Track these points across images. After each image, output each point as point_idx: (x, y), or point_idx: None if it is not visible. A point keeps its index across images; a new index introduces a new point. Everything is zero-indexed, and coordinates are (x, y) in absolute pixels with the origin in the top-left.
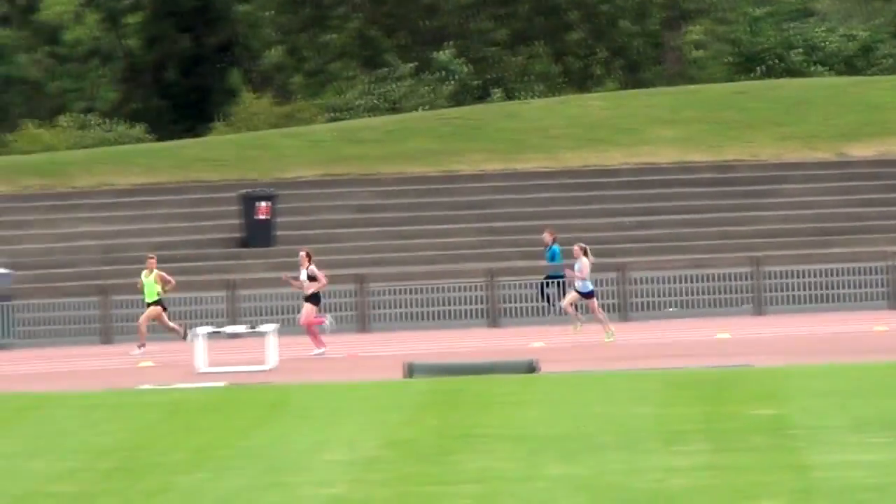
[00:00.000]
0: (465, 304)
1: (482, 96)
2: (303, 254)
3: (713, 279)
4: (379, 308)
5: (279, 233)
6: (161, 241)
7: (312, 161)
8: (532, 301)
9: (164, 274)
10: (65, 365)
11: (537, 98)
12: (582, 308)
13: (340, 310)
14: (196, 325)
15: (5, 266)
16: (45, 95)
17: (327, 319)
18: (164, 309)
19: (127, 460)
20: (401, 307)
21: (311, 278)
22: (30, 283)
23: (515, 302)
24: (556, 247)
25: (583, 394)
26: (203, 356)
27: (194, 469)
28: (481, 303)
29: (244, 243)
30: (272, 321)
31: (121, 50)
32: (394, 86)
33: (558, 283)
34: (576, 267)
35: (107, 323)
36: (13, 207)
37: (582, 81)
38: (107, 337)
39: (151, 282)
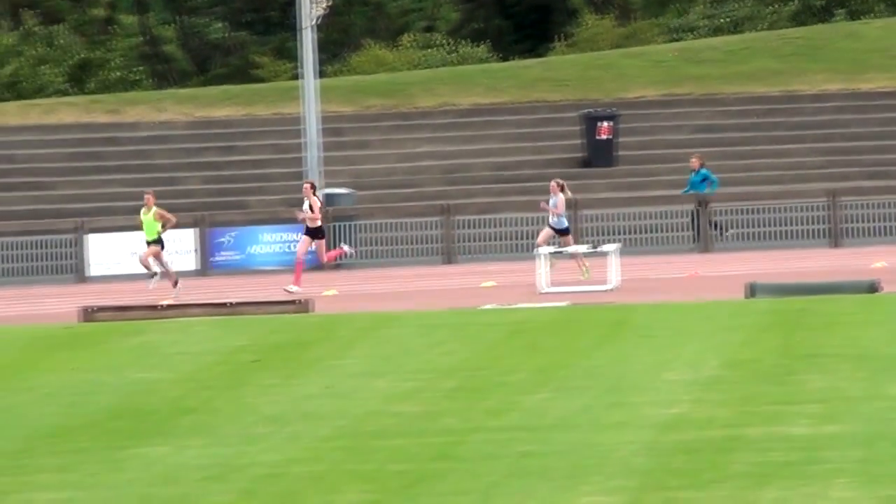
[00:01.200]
0: (807, 223)
1: (824, 17)
2: (307, 185)
3: None
4: None
5: (621, 153)
6: (502, 160)
7: (654, 81)
8: (874, 221)
9: (163, 211)
10: (407, 285)
11: (879, 18)
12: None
13: (680, 230)
14: (535, 246)
15: (348, 186)
16: (387, 16)
17: (346, 248)
18: (163, 248)
19: (469, 380)
20: (742, 227)
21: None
22: (372, 202)
23: (857, 222)
24: (704, 171)
25: None
26: (545, 276)
27: (537, 389)
28: (823, 223)
29: (586, 163)
30: (614, 241)
31: None
32: (735, 5)
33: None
34: (551, 202)
35: (449, 243)
36: (356, 128)
37: None
38: (449, 257)
39: (151, 219)
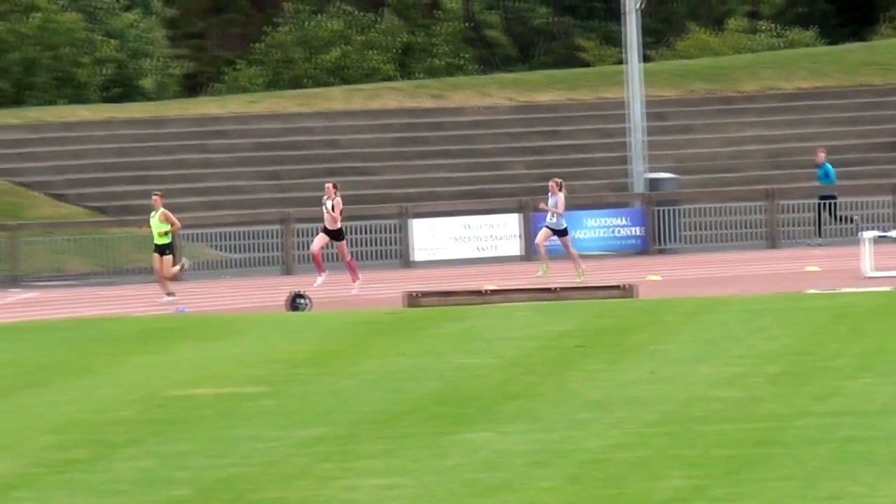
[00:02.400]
0: None
1: None
2: (329, 185)
3: None
4: None
5: None
6: (825, 145)
7: None
8: None
9: (169, 214)
10: (731, 269)
11: None
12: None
13: None
14: (862, 229)
15: (672, 171)
16: (709, 2)
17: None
18: (173, 253)
19: (793, 365)
20: None
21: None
22: (695, 187)
23: None
24: (828, 165)
25: None
26: (869, 260)
27: (861, 373)
28: None
29: None
30: None
31: None
32: None
33: (830, 203)
34: (550, 202)
35: (773, 227)
36: (679, 112)
37: None
38: (773, 241)
39: (158, 221)
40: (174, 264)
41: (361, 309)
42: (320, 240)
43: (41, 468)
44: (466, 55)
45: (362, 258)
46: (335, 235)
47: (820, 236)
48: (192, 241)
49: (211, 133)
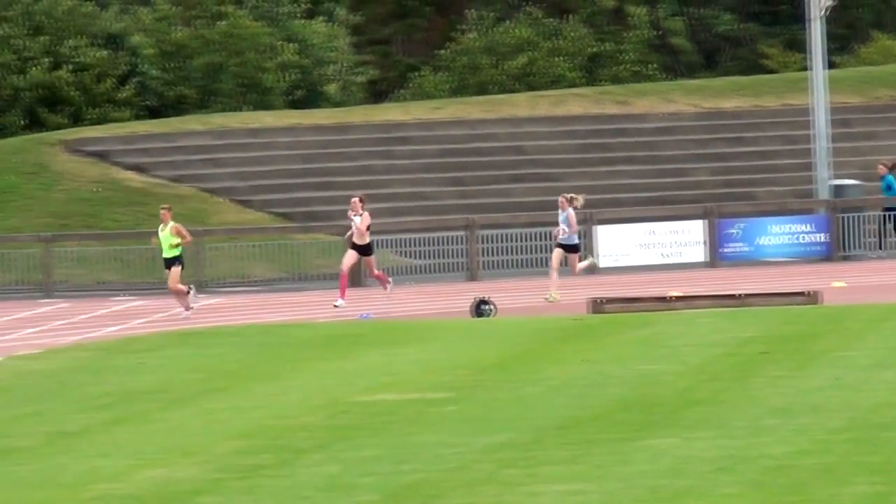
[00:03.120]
0: None
1: None
2: (356, 199)
3: None
4: None
5: None
6: None
7: None
8: None
9: (180, 227)
10: None
11: None
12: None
13: None
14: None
15: (856, 177)
16: (893, 8)
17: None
18: (182, 266)
19: None
20: None
21: (367, 225)
22: (880, 194)
23: None
24: (890, 177)
25: None
26: None
27: None
28: None
29: None
30: None
31: None
32: None
33: (893, 216)
34: (560, 218)
35: None
36: (864, 118)
37: None
38: None
39: (168, 234)
40: (181, 279)
41: (546, 315)
42: (350, 257)
43: (226, 473)
44: (653, 64)
45: (546, 265)
46: (364, 250)
47: (882, 248)
48: (378, 247)
49: (395, 139)
